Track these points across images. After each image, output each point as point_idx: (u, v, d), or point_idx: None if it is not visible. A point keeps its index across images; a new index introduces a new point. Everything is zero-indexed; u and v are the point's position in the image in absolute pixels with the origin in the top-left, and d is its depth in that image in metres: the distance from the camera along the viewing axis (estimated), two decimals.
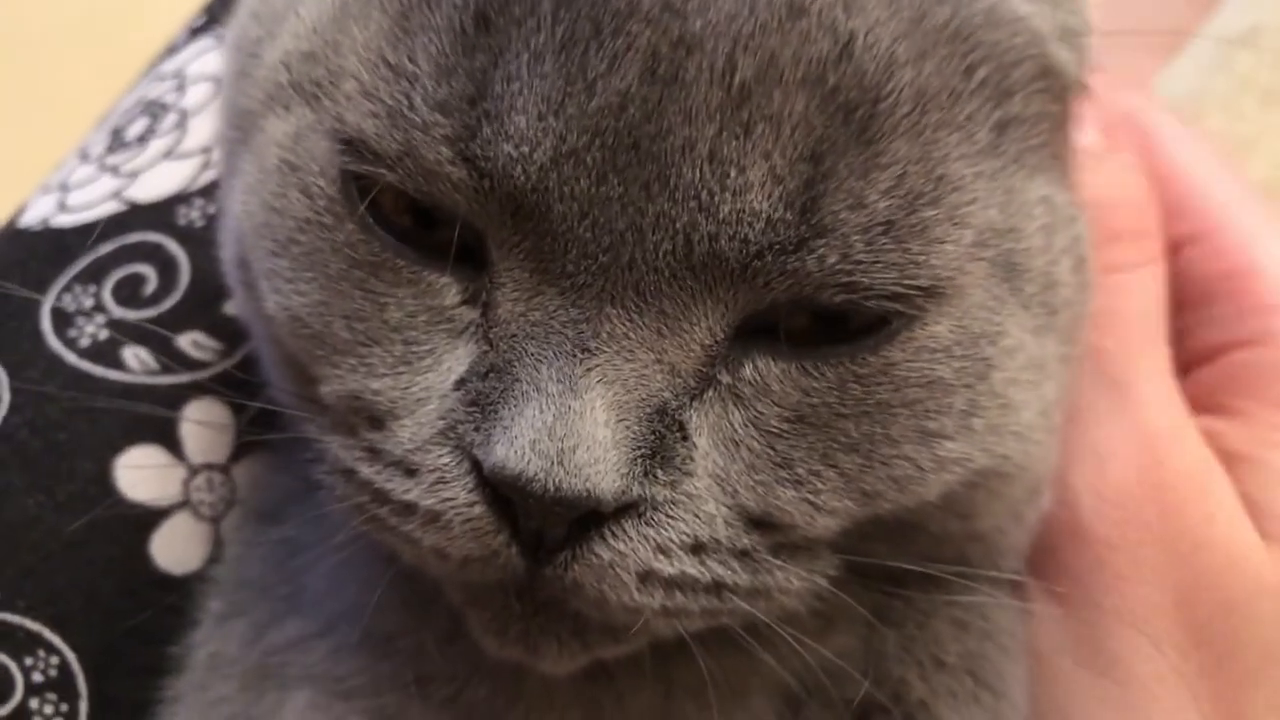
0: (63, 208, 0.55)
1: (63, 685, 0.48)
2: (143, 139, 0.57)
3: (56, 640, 0.48)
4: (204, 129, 0.56)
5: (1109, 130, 0.49)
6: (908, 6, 0.36)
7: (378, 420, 0.37)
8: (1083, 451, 0.43)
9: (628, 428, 0.35)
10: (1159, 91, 1.06)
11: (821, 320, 0.36)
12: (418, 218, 0.37)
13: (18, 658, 0.48)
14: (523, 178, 0.34)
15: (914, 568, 0.39)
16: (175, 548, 0.51)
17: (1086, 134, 0.46)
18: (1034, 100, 0.39)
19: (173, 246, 0.54)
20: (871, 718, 0.42)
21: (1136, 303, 0.46)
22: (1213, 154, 0.51)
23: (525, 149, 0.34)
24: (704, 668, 0.38)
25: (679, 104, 0.34)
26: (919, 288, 0.35)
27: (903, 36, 0.35)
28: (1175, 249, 0.48)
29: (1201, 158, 0.50)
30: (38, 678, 0.48)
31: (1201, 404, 0.46)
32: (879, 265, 0.34)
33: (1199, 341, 0.47)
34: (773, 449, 0.36)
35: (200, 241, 0.53)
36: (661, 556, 0.35)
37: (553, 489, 0.34)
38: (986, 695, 0.42)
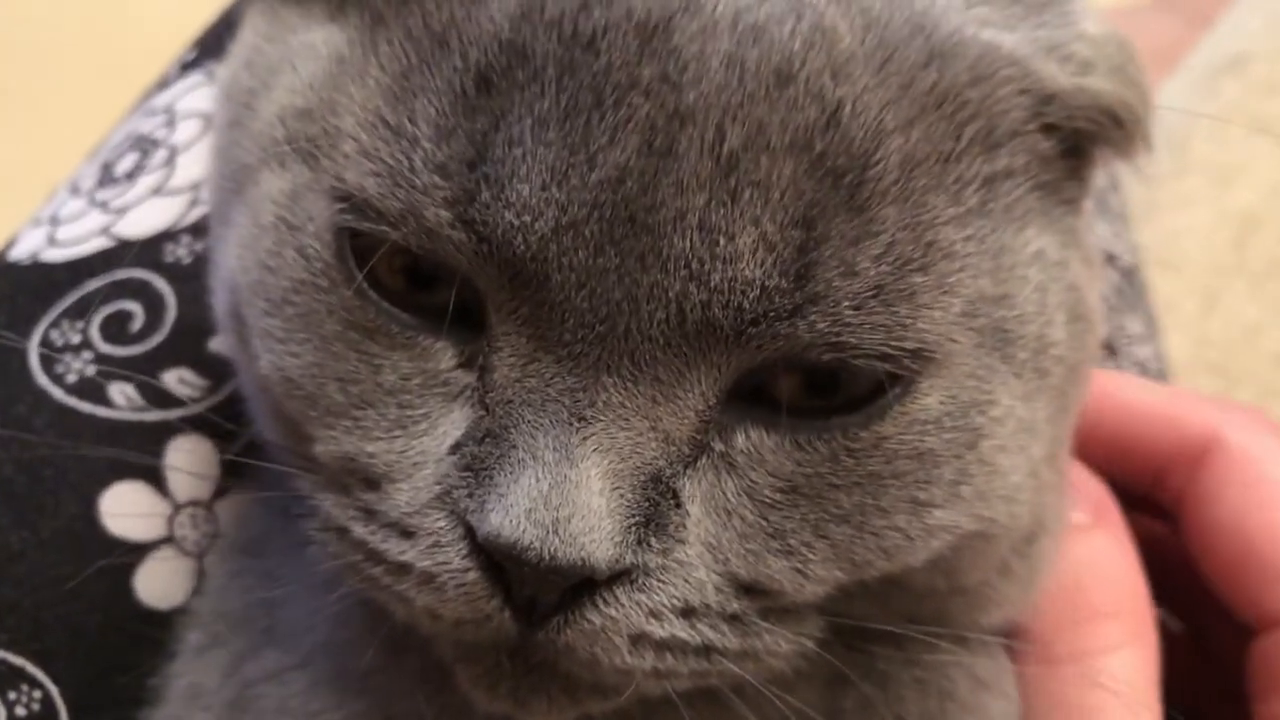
0: (52, 242, 0.56)
1: (44, 718, 0.49)
2: (131, 175, 0.57)
3: (39, 674, 0.49)
4: (193, 166, 0.56)
5: (1097, 508, 0.48)
6: (895, 73, 0.36)
7: (373, 482, 0.38)
8: None
9: (622, 496, 0.35)
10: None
11: (814, 384, 0.36)
12: (414, 280, 0.37)
13: (1, 692, 0.48)
14: (523, 247, 0.35)
15: (893, 629, 0.40)
16: (159, 583, 0.51)
17: (1074, 513, 0.46)
18: (1025, 143, 0.39)
19: (160, 284, 0.54)
20: None
21: (1137, 651, 0.45)
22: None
23: (527, 219, 0.34)
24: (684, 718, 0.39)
25: (672, 176, 0.34)
26: (906, 350, 0.35)
27: (891, 103, 0.36)
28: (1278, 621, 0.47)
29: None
30: (20, 711, 0.48)
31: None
32: (867, 327, 0.35)
33: (1255, 604, 0.46)
34: (765, 519, 0.36)
35: (187, 279, 0.54)
36: (653, 620, 0.36)
37: (548, 558, 0.34)
38: None
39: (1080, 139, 0.41)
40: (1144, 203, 0.97)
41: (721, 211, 0.34)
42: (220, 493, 0.53)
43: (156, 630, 0.50)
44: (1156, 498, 0.51)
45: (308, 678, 0.45)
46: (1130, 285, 0.67)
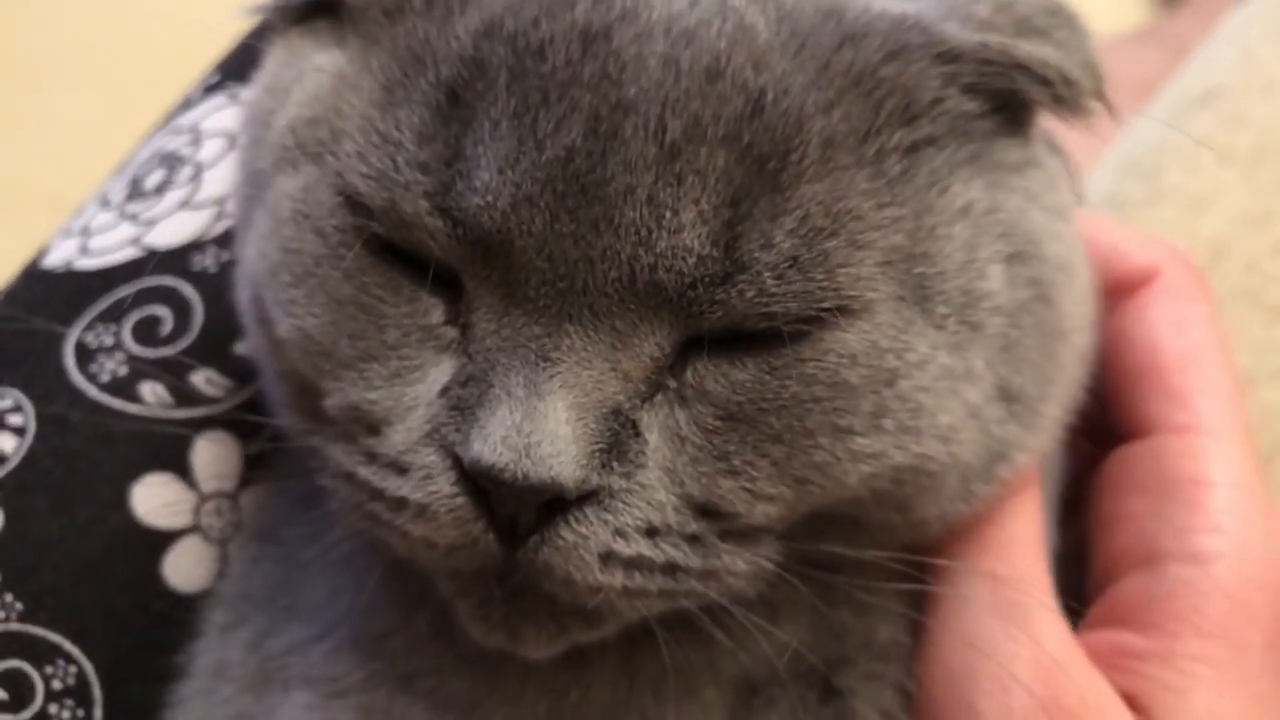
0: (84, 251, 0.60)
1: (80, 692, 0.53)
2: (160, 189, 0.61)
3: (75, 651, 0.53)
4: (218, 181, 0.61)
5: None
6: (811, 59, 0.41)
7: (374, 427, 0.42)
8: (989, 679, 0.45)
9: (586, 425, 0.40)
10: (1126, 143, 1.09)
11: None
12: (405, 257, 0.43)
13: (39, 666, 0.52)
14: (488, 222, 0.40)
15: (849, 553, 0.43)
16: (186, 568, 0.56)
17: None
18: (946, 108, 0.43)
19: (188, 290, 0.58)
20: (830, 698, 0.46)
21: (1026, 527, 0.48)
22: (1219, 342, 0.52)
23: (489, 198, 0.40)
24: (665, 657, 0.43)
25: (619, 156, 0.39)
26: (826, 309, 0.40)
27: (810, 86, 0.41)
28: (1158, 427, 0.49)
29: (1215, 354, 0.51)
30: (57, 685, 0.52)
31: (1124, 614, 0.47)
32: (789, 295, 0.40)
33: (1139, 537, 0.48)
34: (711, 443, 0.41)
35: (213, 286, 0.58)
36: (619, 539, 0.40)
37: (521, 477, 0.39)
38: (907, 681, 0.47)
39: (1007, 96, 0.44)
40: None
41: (668, 191, 0.39)
42: (244, 485, 0.57)
43: (183, 612, 0.54)
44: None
45: (328, 646, 0.49)
46: None
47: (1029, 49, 0.44)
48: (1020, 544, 0.47)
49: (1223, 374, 0.51)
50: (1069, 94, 0.45)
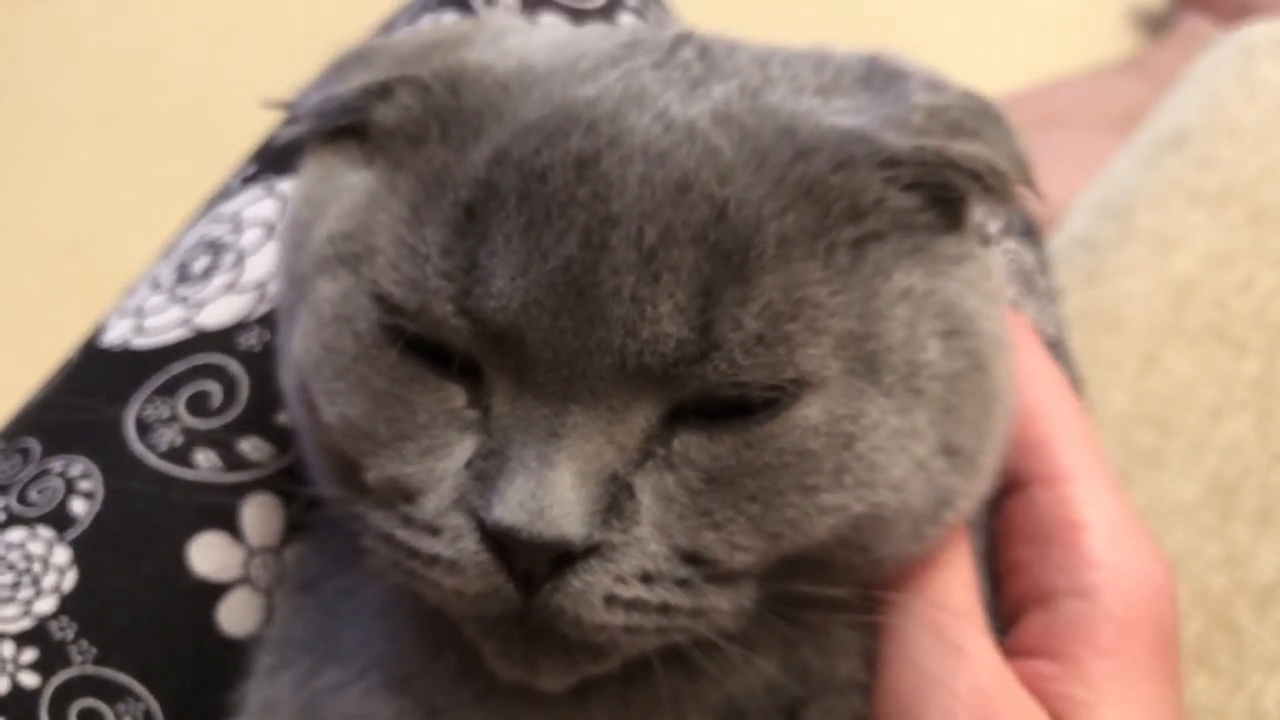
0: (139, 331, 0.66)
1: None
2: (206, 274, 0.68)
3: (143, 691, 0.59)
4: (259, 266, 0.67)
5: None
6: (769, 172, 0.47)
7: (409, 496, 0.48)
8: (935, 707, 0.50)
9: (589, 490, 0.46)
10: (1101, 186, 1.14)
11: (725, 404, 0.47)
12: (433, 351, 0.49)
13: (112, 704, 0.58)
14: (503, 320, 0.46)
15: (817, 591, 0.49)
16: (238, 615, 0.62)
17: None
18: (887, 206, 0.49)
19: (234, 367, 0.65)
20: None
21: (959, 570, 0.54)
22: (1076, 406, 0.58)
23: (504, 302, 0.46)
24: (659, 687, 0.49)
25: (608, 262, 0.45)
26: (787, 379, 0.46)
27: (768, 195, 0.46)
28: (1028, 480, 0.56)
29: (1064, 401, 0.57)
30: None
31: (1036, 646, 0.53)
32: (756, 366, 0.46)
33: (1034, 580, 0.54)
34: (696, 502, 0.47)
35: (257, 363, 0.64)
36: (620, 584, 0.46)
37: (536, 535, 0.45)
38: (865, 711, 0.52)
39: (942, 191, 0.49)
40: (1091, 270, 1.03)
41: (648, 289, 0.45)
42: (286, 541, 0.64)
43: (235, 655, 0.60)
44: None
45: (363, 687, 0.55)
46: (1054, 356, 0.77)
47: (960, 148, 0.48)
48: (956, 585, 0.53)
49: (1072, 416, 0.57)
50: (998, 184, 0.50)
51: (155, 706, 0.60)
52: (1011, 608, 0.56)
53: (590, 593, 0.46)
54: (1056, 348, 0.77)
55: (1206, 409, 0.94)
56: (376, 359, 0.49)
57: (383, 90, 0.52)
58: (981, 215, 0.72)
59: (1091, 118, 1.67)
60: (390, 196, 0.50)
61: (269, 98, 0.55)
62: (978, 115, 0.50)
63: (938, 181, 0.49)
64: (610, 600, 0.46)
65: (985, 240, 0.55)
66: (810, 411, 0.47)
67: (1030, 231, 0.80)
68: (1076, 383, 0.78)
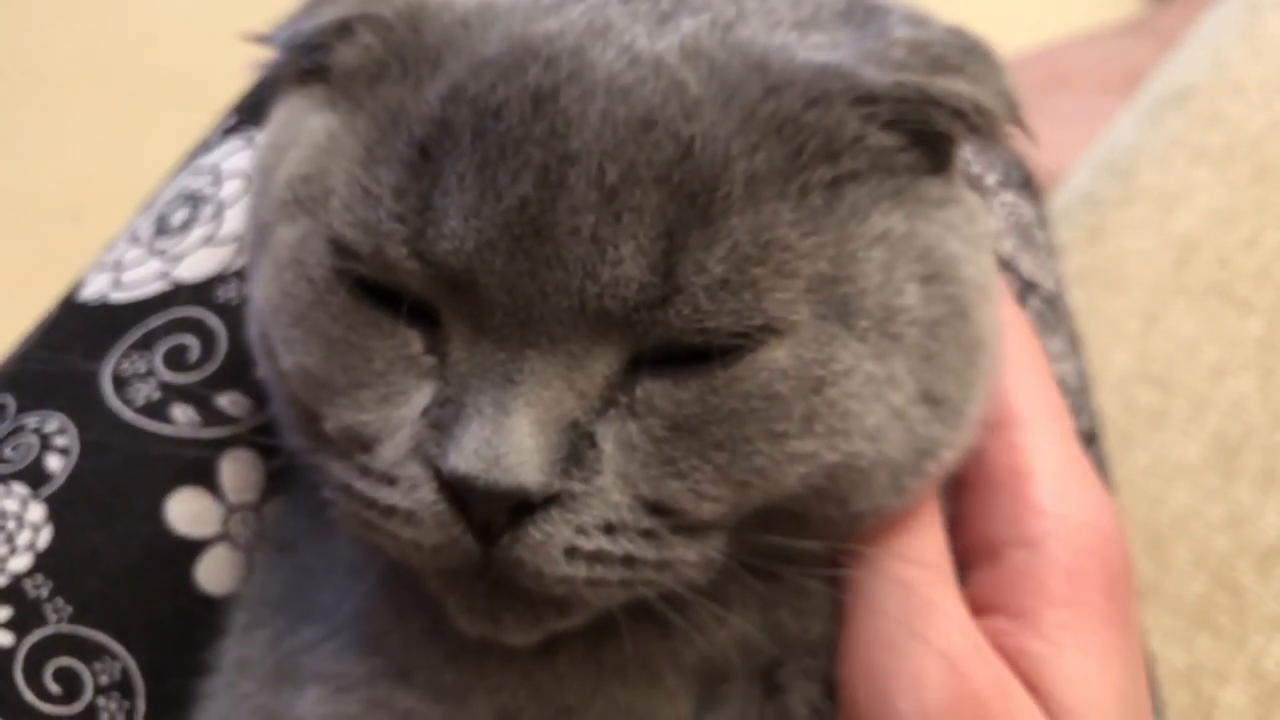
0: (117, 285, 0.65)
1: (124, 686, 0.58)
2: (185, 226, 0.66)
3: (119, 649, 0.58)
4: (238, 219, 0.66)
5: None
6: (737, 109, 0.45)
7: (366, 445, 0.47)
8: (905, 677, 0.49)
9: (547, 437, 0.44)
10: (1104, 144, 1.12)
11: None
12: (389, 297, 0.48)
13: (88, 663, 0.58)
14: (457, 263, 0.45)
15: (793, 543, 0.48)
16: (216, 573, 0.61)
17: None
18: (866, 145, 0.47)
19: (212, 321, 0.64)
20: (772, 693, 0.51)
21: (930, 530, 0.52)
22: (1036, 350, 0.56)
23: (456, 244, 0.45)
24: (628, 648, 0.48)
25: (566, 202, 0.44)
26: (754, 326, 0.45)
27: (736, 134, 0.45)
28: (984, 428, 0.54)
29: (1028, 354, 0.56)
30: (104, 680, 0.58)
31: (989, 602, 0.52)
32: (721, 312, 0.44)
33: (982, 531, 0.53)
34: (660, 451, 0.45)
35: (236, 316, 0.63)
36: (581, 535, 0.45)
37: (492, 484, 0.44)
38: (834, 673, 0.51)
39: (925, 130, 0.47)
40: (1094, 228, 1.02)
41: (609, 229, 0.44)
42: (266, 497, 0.63)
43: (213, 613, 0.60)
44: None
45: (335, 645, 0.54)
46: (1052, 310, 0.76)
47: (942, 84, 0.47)
48: (926, 540, 0.52)
49: (1026, 361, 0.56)
50: (983, 123, 0.48)
51: (132, 665, 0.59)
52: (959, 559, 0.54)
53: (550, 544, 0.45)
54: (1054, 302, 0.76)
55: (1209, 368, 0.93)
56: (332, 305, 0.48)
57: (344, 29, 0.50)
58: (980, 166, 0.71)
59: (1097, 79, 1.65)
60: (348, 137, 0.49)
61: (250, 32, 0.54)
62: (962, 51, 0.48)
63: (919, 120, 0.48)
64: (571, 552, 0.45)
65: (980, 189, 0.53)
66: (778, 354, 0.45)
67: (1028, 184, 0.78)
68: (1075, 341, 0.77)
